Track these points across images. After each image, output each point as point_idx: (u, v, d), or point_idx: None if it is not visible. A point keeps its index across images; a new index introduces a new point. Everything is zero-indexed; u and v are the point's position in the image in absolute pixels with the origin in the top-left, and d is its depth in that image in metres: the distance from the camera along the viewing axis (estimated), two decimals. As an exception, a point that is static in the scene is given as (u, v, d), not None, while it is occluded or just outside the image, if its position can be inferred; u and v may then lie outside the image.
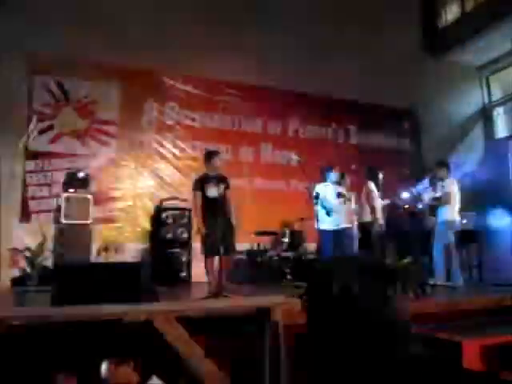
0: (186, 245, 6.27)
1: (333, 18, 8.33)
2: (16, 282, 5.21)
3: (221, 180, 4.81)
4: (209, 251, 4.59)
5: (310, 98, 8.25)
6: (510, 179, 8.69)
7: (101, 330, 2.34)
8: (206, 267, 4.63)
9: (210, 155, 4.93)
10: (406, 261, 2.81)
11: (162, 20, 7.18)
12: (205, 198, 4.71)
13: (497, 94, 9.79)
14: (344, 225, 5.34)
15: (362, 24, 8.55)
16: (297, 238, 6.74)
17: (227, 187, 4.82)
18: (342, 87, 8.34)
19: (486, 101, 9.84)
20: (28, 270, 2.65)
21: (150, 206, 6.76)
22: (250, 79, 7.77)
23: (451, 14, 9.46)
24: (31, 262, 2.72)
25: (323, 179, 5.49)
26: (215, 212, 4.59)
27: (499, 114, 9.69)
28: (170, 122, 7.27)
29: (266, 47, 7.77)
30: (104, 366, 2.03)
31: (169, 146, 7.19)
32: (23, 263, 2.73)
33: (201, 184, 4.75)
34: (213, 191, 4.71)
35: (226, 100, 7.73)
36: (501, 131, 9.60)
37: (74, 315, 2.41)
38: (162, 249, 6.29)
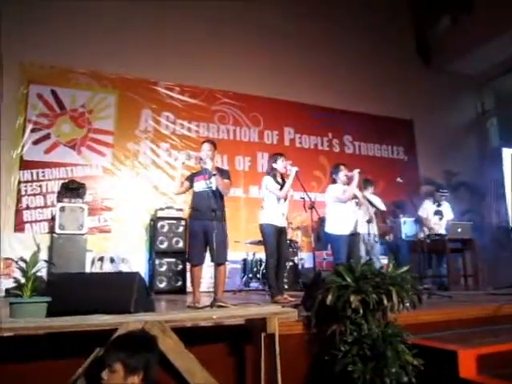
0: (182, 254, 6.23)
1: (331, 30, 8.44)
2: (9, 292, 5.17)
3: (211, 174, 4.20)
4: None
5: (306, 108, 8.31)
6: (505, 187, 8.73)
7: (95, 340, 2.31)
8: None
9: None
10: (401, 269, 2.80)
11: (159, 29, 7.24)
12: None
13: (490, 104, 9.92)
14: (353, 229, 5.10)
15: (358, 36, 8.66)
16: (292, 248, 6.71)
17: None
18: (338, 97, 8.42)
19: (480, 110, 9.97)
20: (21, 280, 2.62)
21: (146, 216, 6.75)
22: (247, 89, 7.82)
23: (445, 25, 9.58)
24: (24, 272, 2.68)
25: (333, 180, 5.24)
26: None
27: (493, 123, 9.81)
28: (165, 132, 7.29)
29: (262, 57, 7.85)
30: (105, 372, 1.97)
31: (164, 155, 7.19)
32: (17, 273, 2.69)
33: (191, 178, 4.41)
34: (200, 185, 4.29)
35: (222, 109, 7.76)
36: (495, 140, 9.72)
37: (67, 326, 2.38)
38: (157, 258, 6.26)
